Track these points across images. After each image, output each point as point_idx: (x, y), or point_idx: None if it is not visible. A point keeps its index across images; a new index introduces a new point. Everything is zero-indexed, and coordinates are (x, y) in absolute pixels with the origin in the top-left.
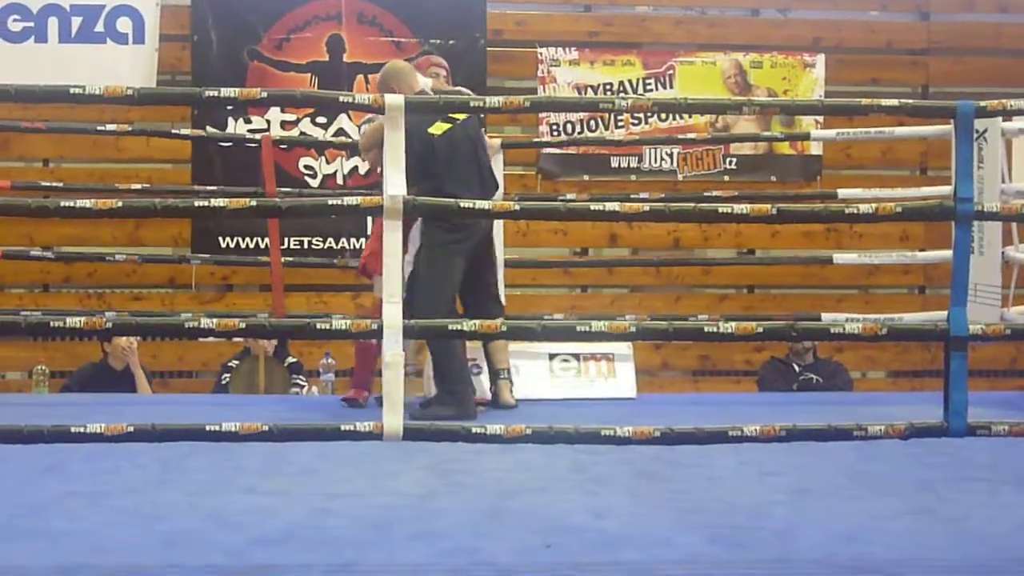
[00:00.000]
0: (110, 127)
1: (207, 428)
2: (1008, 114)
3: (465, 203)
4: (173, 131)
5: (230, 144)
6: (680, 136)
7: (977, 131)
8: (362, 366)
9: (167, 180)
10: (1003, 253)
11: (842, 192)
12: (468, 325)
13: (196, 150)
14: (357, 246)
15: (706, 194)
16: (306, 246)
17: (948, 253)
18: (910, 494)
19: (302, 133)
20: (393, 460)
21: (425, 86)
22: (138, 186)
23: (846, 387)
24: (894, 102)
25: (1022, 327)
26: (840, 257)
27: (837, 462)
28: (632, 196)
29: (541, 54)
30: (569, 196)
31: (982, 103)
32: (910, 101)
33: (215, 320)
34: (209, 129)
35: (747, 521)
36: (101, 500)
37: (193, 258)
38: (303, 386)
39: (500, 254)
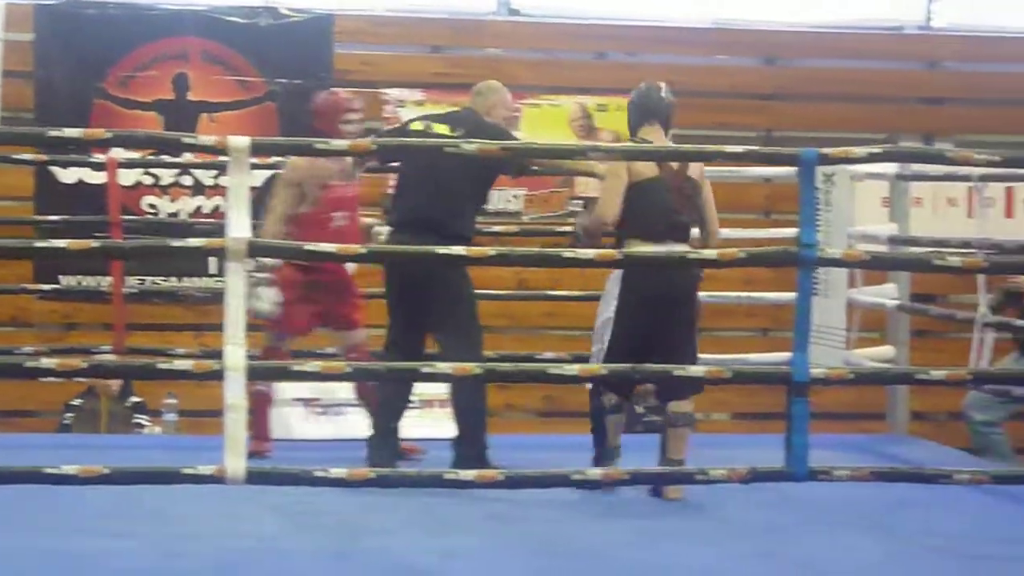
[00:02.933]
0: None
1: (46, 471)
2: (851, 162)
3: (309, 247)
4: (14, 156)
5: (74, 183)
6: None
7: (825, 175)
8: (260, 416)
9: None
10: (848, 295)
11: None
12: (310, 366)
13: (39, 187)
14: (200, 284)
15: (558, 230)
16: (148, 284)
17: (794, 295)
18: (757, 536)
19: (146, 172)
20: (241, 501)
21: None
22: None
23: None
24: (739, 149)
25: (865, 371)
26: None
27: (681, 503)
28: (484, 230)
29: (387, 95)
30: None
31: (824, 150)
32: (755, 148)
33: (56, 360)
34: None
35: (596, 564)
36: None
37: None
38: (146, 425)
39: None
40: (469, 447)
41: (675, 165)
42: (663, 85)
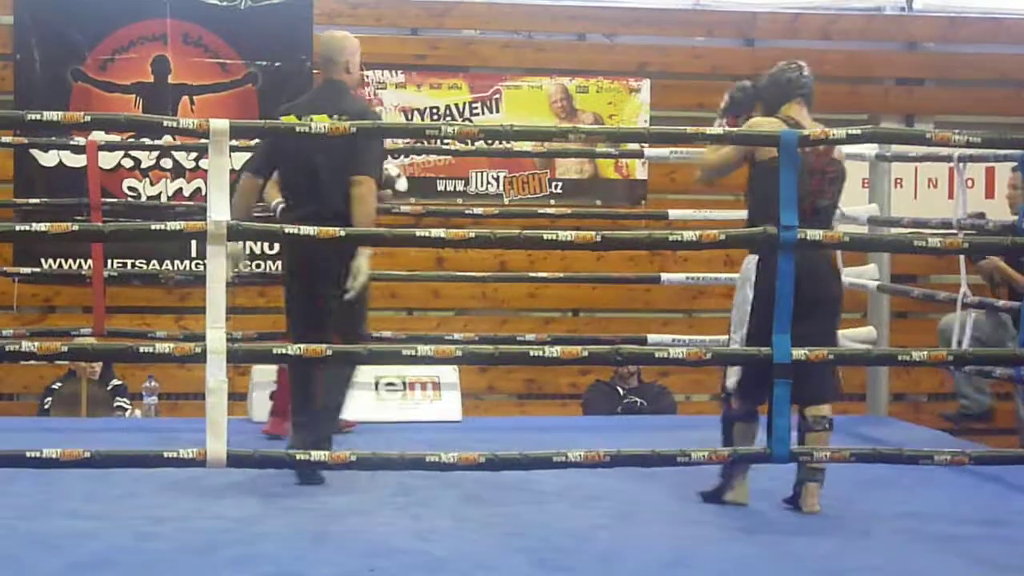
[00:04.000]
0: None
1: (27, 455)
2: (830, 143)
3: (289, 229)
4: None
5: (54, 165)
6: (515, 150)
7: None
8: (285, 398)
9: None
10: None
11: (673, 213)
12: (292, 349)
13: (19, 169)
14: (181, 267)
15: (539, 211)
16: (129, 267)
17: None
18: (734, 517)
19: (126, 155)
20: (218, 484)
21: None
22: None
23: (670, 410)
24: (719, 130)
25: (846, 352)
26: (667, 276)
27: (663, 485)
28: (465, 212)
29: (367, 77)
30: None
31: (804, 132)
32: (734, 129)
33: (36, 343)
34: (32, 146)
35: (572, 544)
36: None
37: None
38: (127, 408)
39: None
40: (312, 430)
41: (821, 146)
42: (804, 64)
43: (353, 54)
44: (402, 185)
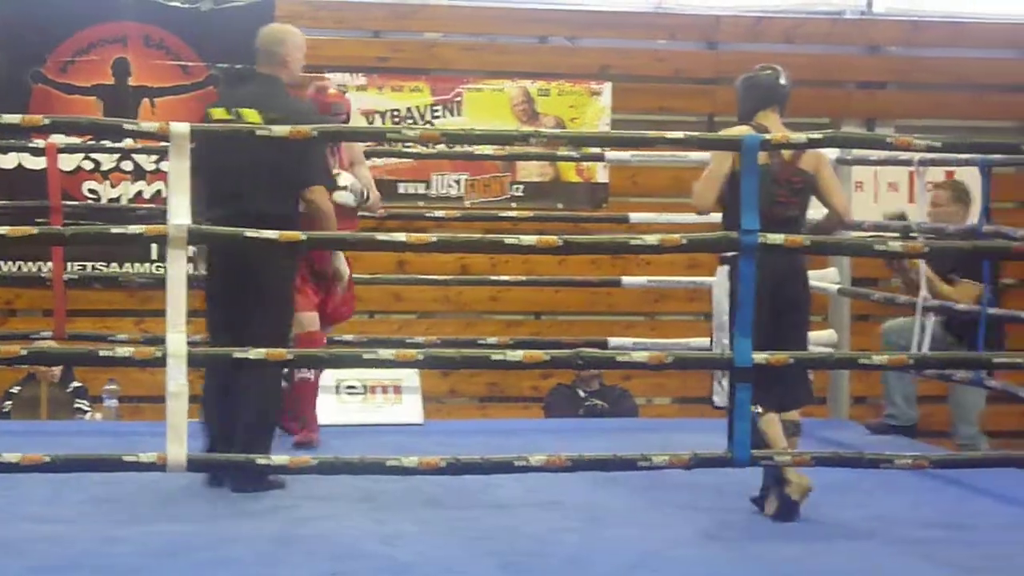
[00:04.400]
0: None
1: None
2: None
3: (250, 233)
4: None
5: (13, 168)
6: (476, 154)
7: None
8: (306, 405)
9: None
10: None
11: (634, 216)
12: (255, 353)
13: None
14: (142, 270)
15: (501, 214)
16: (90, 270)
17: None
18: (700, 521)
19: (86, 157)
20: (182, 487)
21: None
22: None
23: (632, 413)
24: (680, 134)
25: (806, 355)
26: (629, 280)
27: (626, 489)
28: (427, 215)
29: (329, 79)
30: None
31: (766, 136)
32: (696, 134)
33: None
34: None
35: (538, 548)
36: None
37: None
38: (88, 411)
39: None
40: (242, 464)
41: (786, 155)
42: (781, 69)
43: (294, 50)
44: (345, 198)
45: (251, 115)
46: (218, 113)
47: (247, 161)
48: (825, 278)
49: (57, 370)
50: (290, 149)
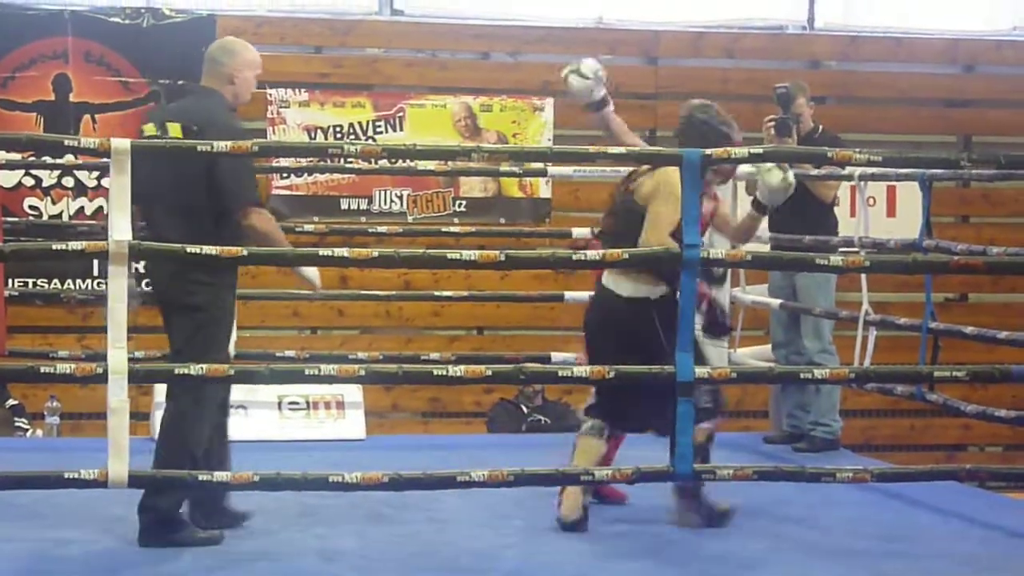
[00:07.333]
0: None
1: None
2: (732, 162)
3: (192, 249)
4: None
5: None
6: (418, 169)
7: None
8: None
9: None
10: (731, 294)
11: (576, 231)
12: (195, 369)
13: None
14: (83, 286)
15: (443, 230)
16: (31, 287)
17: None
18: (640, 535)
19: (27, 173)
20: (122, 504)
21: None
22: None
23: (575, 428)
24: (621, 150)
25: (748, 370)
26: (571, 295)
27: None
28: (369, 230)
29: (271, 95)
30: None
31: (707, 151)
32: (636, 149)
33: None
34: None
35: (479, 564)
36: None
37: None
38: (27, 429)
39: None
40: (153, 504)
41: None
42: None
43: (243, 66)
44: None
45: (175, 130)
46: (149, 129)
47: (166, 183)
48: (765, 293)
49: None
50: (217, 167)
